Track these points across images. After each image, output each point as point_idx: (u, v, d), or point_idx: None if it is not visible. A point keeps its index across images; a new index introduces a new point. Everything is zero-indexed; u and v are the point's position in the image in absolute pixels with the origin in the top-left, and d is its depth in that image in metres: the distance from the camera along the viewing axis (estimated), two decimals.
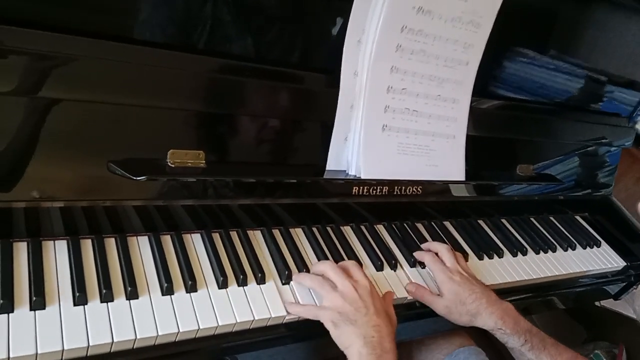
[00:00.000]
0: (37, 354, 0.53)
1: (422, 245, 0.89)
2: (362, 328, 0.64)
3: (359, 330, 0.63)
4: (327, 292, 0.68)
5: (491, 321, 0.76)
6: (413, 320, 0.80)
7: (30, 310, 0.57)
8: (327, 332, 0.66)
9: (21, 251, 0.62)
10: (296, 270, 0.75)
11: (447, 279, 0.79)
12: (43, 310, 0.57)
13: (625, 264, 1.12)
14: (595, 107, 1.14)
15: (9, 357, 0.52)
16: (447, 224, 0.99)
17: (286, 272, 0.73)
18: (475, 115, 0.91)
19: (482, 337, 0.99)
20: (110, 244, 0.68)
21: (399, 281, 0.81)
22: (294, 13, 0.75)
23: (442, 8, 0.79)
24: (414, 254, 0.86)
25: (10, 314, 0.56)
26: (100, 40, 0.61)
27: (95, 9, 0.62)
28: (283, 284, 0.72)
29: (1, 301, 0.55)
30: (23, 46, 0.57)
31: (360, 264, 0.79)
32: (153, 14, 0.64)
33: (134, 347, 0.59)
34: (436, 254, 0.85)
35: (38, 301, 0.57)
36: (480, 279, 0.83)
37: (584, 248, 1.11)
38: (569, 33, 1.02)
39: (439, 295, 0.79)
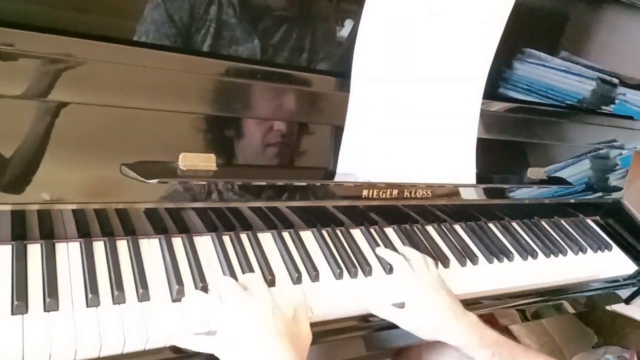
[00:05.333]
0: (50, 354, 0.54)
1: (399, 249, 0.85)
2: None
3: None
4: (220, 319, 0.60)
5: (457, 337, 0.72)
6: None
7: (44, 311, 0.57)
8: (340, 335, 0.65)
9: (35, 253, 0.63)
10: (306, 274, 0.75)
11: (412, 286, 0.75)
12: (56, 312, 0.58)
13: (636, 268, 1.11)
14: (607, 110, 1.13)
15: (23, 358, 0.53)
16: (457, 227, 0.99)
17: (296, 275, 0.73)
18: (486, 118, 0.90)
19: None
20: (122, 246, 0.68)
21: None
22: (306, 16, 0.75)
23: (453, 10, 0.79)
24: (376, 251, 0.83)
25: (25, 315, 0.56)
26: (112, 44, 0.61)
27: (107, 12, 0.63)
28: (294, 285, 0.73)
29: (16, 302, 0.56)
30: (35, 50, 0.57)
31: (369, 267, 0.80)
32: (163, 18, 0.65)
33: (146, 348, 0.59)
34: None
35: (52, 302, 0.58)
36: (489, 284, 0.83)
37: (595, 252, 1.10)
38: (580, 35, 1.02)
39: (401, 308, 0.74)
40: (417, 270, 0.79)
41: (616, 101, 1.12)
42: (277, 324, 0.59)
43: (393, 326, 0.74)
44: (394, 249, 0.86)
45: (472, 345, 0.72)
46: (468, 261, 0.90)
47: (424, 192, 0.88)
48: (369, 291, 0.77)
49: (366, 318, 0.75)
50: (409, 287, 0.76)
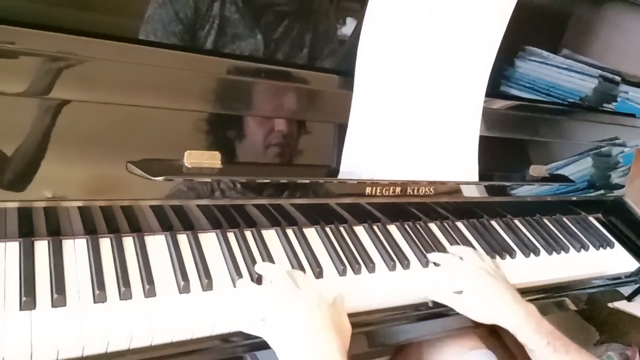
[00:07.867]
0: (58, 350, 0.55)
1: (449, 249, 0.89)
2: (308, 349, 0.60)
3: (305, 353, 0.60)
4: (272, 306, 0.64)
5: (515, 320, 0.76)
6: (422, 321, 0.80)
7: (52, 307, 0.58)
8: None
9: (42, 250, 0.64)
10: (310, 271, 0.75)
11: (470, 273, 0.80)
12: (64, 308, 0.58)
13: (638, 265, 1.11)
14: (609, 108, 1.13)
15: (31, 353, 0.53)
16: (460, 224, 0.99)
17: None
18: (488, 116, 0.91)
19: (492, 339, 0.99)
20: (128, 242, 0.69)
21: (411, 282, 0.81)
22: (308, 10, 0.76)
23: (456, 8, 0.79)
24: (429, 256, 0.86)
25: (33, 311, 0.57)
26: (115, 42, 0.62)
27: (111, 11, 0.63)
28: None
29: (24, 298, 0.57)
30: (39, 48, 0.58)
31: (372, 264, 0.80)
32: (170, 16, 0.65)
33: (152, 344, 0.60)
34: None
35: (59, 298, 0.58)
36: None
37: (597, 249, 1.10)
38: (582, 33, 1.02)
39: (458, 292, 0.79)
40: (471, 261, 0.84)
41: (618, 99, 1.13)
42: (324, 314, 0.63)
43: (393, 324, 0.75)
44: (399, 245, 0.86)
45: (528, 331, 0.75)
46: None
47: (426, 190, 0.89)
48: (373, 287, 0.77)
49: (368, 314, 0.75)
50: (467, 275, 0.81)
